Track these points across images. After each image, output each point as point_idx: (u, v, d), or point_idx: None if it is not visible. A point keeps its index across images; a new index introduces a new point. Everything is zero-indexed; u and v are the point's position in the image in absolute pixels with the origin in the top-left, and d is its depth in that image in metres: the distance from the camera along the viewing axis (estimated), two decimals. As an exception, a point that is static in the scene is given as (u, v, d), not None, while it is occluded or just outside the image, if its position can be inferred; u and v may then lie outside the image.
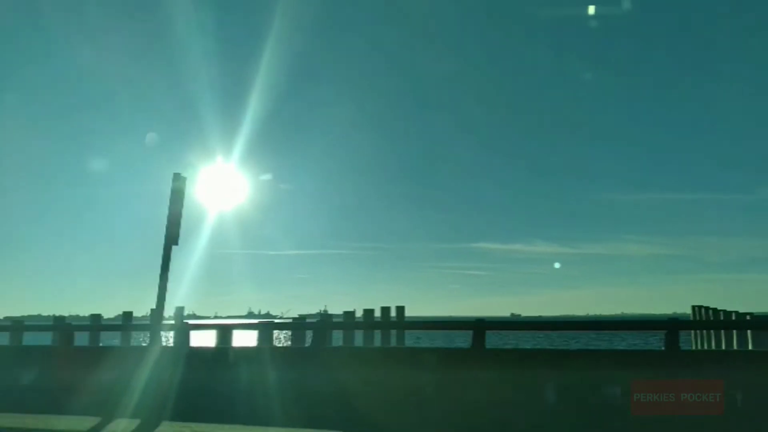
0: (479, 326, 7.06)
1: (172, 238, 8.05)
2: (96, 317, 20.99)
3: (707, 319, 20.43)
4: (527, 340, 29.95)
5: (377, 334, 21.93)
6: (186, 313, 21.73)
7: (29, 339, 17.90)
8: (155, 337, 8.83)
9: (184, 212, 8.25)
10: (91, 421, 6.45)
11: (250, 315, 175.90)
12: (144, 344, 12.90)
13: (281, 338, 27.65)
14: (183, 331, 9.61)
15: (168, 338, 11.52)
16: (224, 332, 15.51)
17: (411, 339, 26.82)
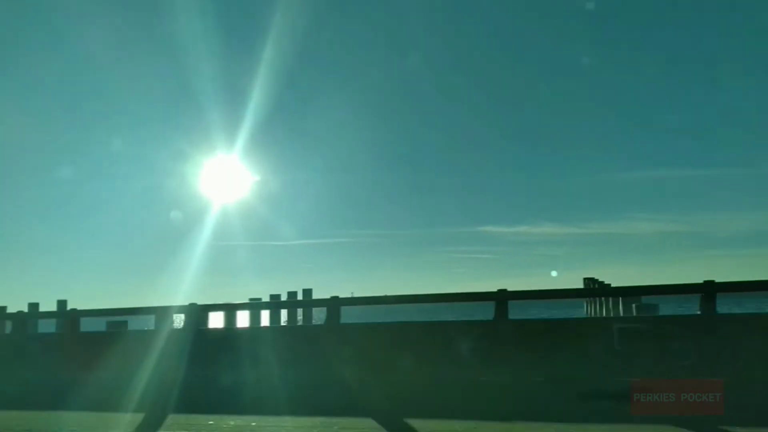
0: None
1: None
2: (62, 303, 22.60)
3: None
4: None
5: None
6: (214, 303, 23.13)
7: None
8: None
9: (191, 207, 8.74)
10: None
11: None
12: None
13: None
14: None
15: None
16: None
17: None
